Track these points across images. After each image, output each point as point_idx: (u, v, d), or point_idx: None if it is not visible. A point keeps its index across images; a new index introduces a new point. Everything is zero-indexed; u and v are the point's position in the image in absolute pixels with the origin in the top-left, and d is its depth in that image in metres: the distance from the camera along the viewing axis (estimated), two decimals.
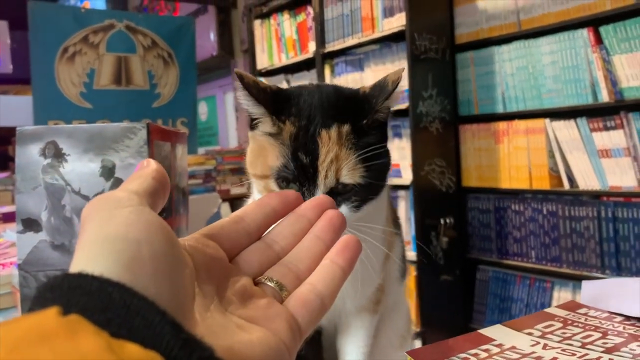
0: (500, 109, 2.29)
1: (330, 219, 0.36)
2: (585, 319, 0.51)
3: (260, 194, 0.63)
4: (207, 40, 4.09)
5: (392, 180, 2.33)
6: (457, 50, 2.40)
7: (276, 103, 0.59)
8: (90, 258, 0.24)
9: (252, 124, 0.63)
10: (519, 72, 2.21)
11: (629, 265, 1.91)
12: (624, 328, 0.48)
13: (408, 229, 2.36)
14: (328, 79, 2.70)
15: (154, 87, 2.40)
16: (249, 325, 0.29)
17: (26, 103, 2.38)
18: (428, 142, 2.27)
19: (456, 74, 2.41)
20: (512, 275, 2.30)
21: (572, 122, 2.05)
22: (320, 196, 0.39)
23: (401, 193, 2.35)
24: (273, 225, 0.37)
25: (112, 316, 0.21)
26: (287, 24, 3.03)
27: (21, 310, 0.75)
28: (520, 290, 2.26)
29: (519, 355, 0.43)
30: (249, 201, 0.70)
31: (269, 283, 0.33)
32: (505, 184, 2.28)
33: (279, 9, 3.06)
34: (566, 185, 2.10)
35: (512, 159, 2.25)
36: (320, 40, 2.71)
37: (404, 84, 2.22)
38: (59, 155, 0.61)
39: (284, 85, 2.85)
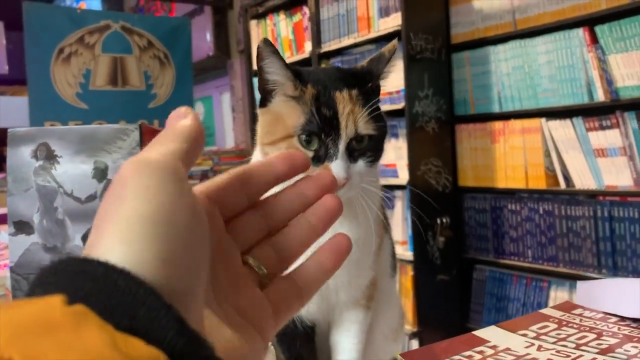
0: (496, 109, 2.29)
1: (327, 206, 0.37)
2: (580, 320, 0.51)
3: None
4: (203, 40, 4.08)
5: (388, 180, 2.33)
6: (453, 50, 2.40)
7: (295, 72, 0.67)
8: (123, 240, 0.23)
9: (263, 100, 0.68)
10: (515, 72, 2.21)
11: (625, 264, 1.91)
12: (618, 329, 0.48)
13: (404, 229, 2.36)
14: None
15: (150, 87, 2.39)
16: (238, 321, 0.30)
17: (22, 104, 2.37)
18: (424, 142, 2.27)
19: (452, 74, 2.41)
20: (508, 275, 2.30)
21: (568, 122, 2.05)
22: (324, 174, 0.39)
23: (398, 193, 2.35)
24: (272, 191, 0.37)
25: (117, 305, 0.20)
26: (283, 24, 3.02)
27: None
28: (517, 289, 2.26)
29: (513, 357, 0.43)
30: None
31: (254, 265, 0.34)
32: (502, 183, 2.28)
33: (275, 9, 3.05)
34: (562, 185, 2.11)
35: (508, 158, 2.25)
36: (317, 41, 2.71)
37: (400, 84, 2.22)
38: (51, 157, 0.60)
39: None
